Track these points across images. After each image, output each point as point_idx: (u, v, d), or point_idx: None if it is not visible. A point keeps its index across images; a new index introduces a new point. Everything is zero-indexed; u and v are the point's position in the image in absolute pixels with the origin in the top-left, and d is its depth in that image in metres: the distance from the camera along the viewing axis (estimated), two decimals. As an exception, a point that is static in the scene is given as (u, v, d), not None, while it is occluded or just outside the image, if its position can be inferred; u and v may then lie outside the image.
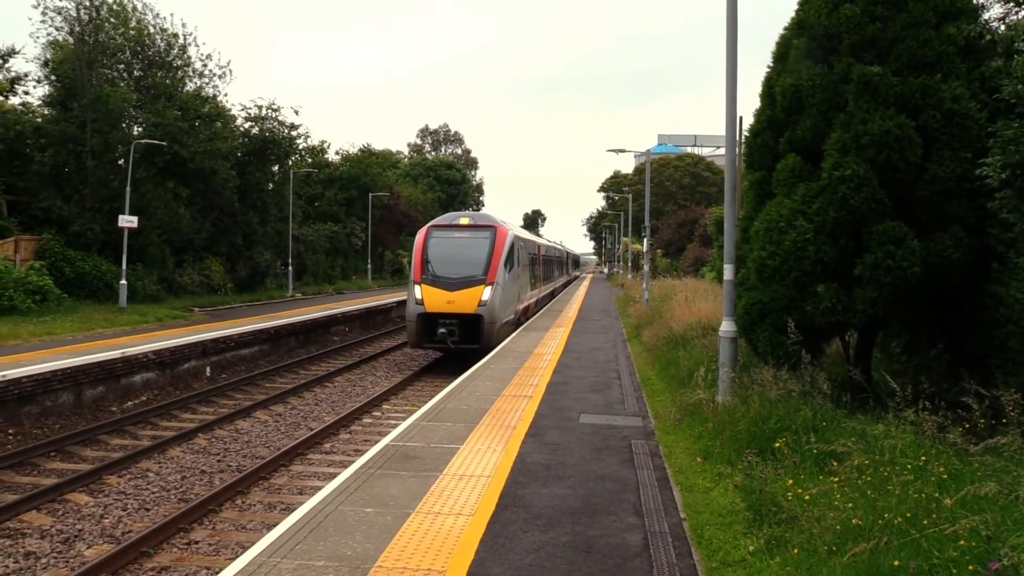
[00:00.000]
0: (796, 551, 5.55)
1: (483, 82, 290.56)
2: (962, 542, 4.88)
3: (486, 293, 20.14)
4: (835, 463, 6.95)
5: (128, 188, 26.12)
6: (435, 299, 20.08)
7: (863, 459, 6.68)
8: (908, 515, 5.42)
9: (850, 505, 5.86)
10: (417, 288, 20.39)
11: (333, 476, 9.70)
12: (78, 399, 15.00)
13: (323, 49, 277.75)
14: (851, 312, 9.57)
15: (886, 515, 5.49)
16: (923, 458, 6.59)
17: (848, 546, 5.22)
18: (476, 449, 8.91)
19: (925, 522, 5.26)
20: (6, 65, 30.06)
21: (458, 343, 20.07)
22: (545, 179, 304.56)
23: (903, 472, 6.23)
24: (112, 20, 29.70)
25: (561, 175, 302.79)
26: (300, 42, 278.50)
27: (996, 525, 5.03)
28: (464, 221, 22.58)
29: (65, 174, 27.63)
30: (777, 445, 7.71)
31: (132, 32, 30.90)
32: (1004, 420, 7.06)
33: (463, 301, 20.01)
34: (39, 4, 27.87)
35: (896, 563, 4.84)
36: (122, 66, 31.55)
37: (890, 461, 6.61)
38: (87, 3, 28.51)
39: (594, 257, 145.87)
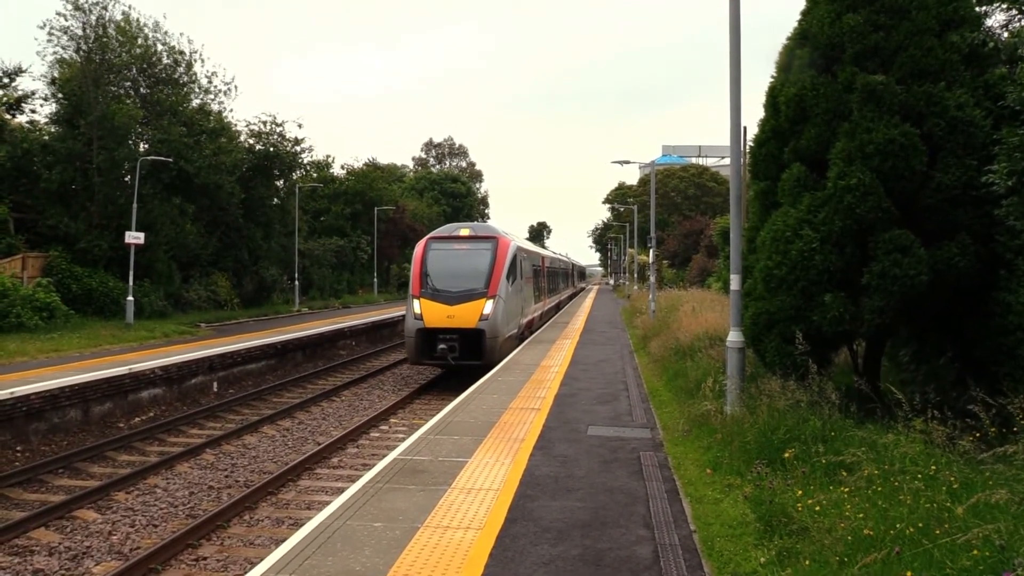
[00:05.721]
0: (807, 562, 5.51)
1: (487, 94, 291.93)
2: (975, 552, 4.83)
3: (487, 307, 19.50)
4: (845, 473, 6.90)
5: (135, 204, 26.22)
6: (434, 314, 19.44)
7: (873, 469, 6.64)
8: (920, 525, 5.38)
9: (861, 515, 5.82)
10: (416, 302, 19.75)
11: (341, 491, 9.68)
12: (86, 415, 15.02)
13: (327, 63, 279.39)
14: (858, 321, 9.54)
15: (897, 525, 5.45)
16: (933, 467, 6.54)
17: (859, 557, 5.18)
18: (484, 462, 8.89)
19: (937, 532, 5.22)
20: (13, 83, 30.30)
21: (459, 359, 19.38)
22: (550, 191, 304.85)
23: (914, 481, 6.19)
24: (119, 38, 29.92)
25: (566, 187, 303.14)
26: (305, 57, 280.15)
27: (1009, 534, 4.97)
28: (464, 232, 21.91)
29: (72, 191, 27.79)
30: (786, 456, 7.68)
31: (139, 50, 31.13)
32: (1014, 428, 7.02)
33: (464, 315, 19.36)
34: (45, 24, 28.16)
35: (909, 574, 4.81)
36: (128, 83, 31.76)
37: (900, 471, 6.57)
38: (93, 22, 28.77)
39: (600, 269, 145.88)
